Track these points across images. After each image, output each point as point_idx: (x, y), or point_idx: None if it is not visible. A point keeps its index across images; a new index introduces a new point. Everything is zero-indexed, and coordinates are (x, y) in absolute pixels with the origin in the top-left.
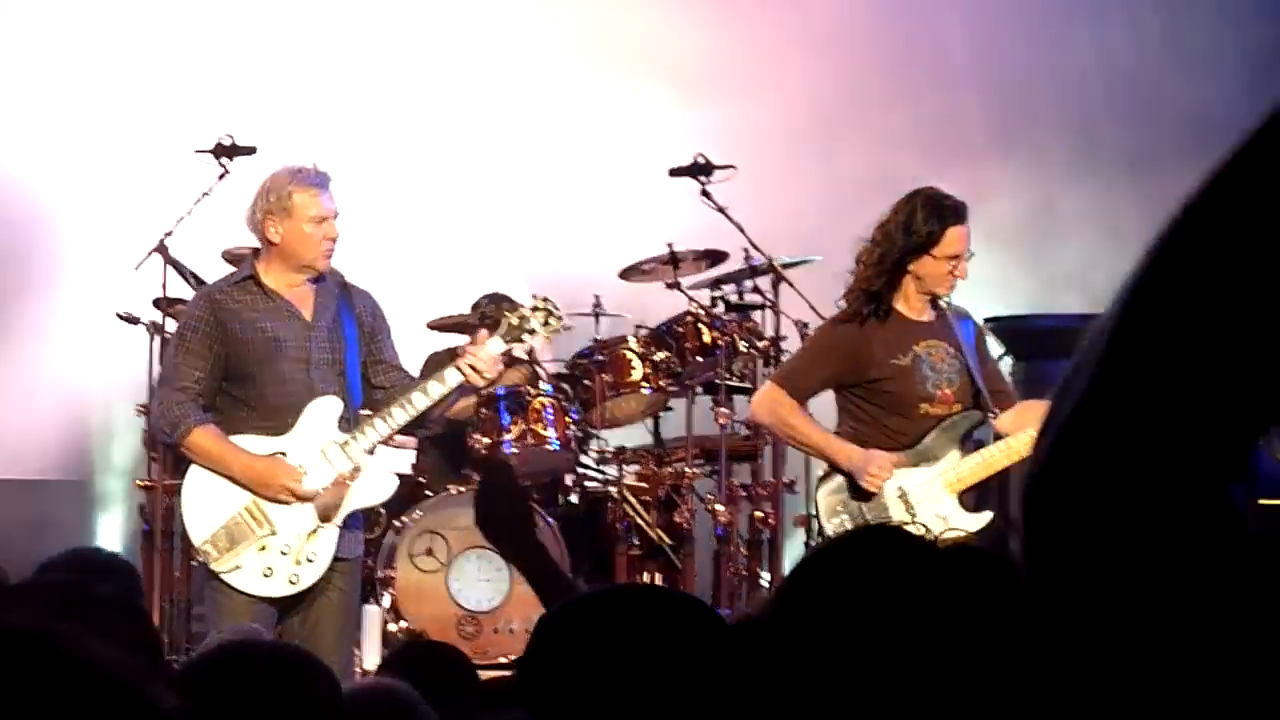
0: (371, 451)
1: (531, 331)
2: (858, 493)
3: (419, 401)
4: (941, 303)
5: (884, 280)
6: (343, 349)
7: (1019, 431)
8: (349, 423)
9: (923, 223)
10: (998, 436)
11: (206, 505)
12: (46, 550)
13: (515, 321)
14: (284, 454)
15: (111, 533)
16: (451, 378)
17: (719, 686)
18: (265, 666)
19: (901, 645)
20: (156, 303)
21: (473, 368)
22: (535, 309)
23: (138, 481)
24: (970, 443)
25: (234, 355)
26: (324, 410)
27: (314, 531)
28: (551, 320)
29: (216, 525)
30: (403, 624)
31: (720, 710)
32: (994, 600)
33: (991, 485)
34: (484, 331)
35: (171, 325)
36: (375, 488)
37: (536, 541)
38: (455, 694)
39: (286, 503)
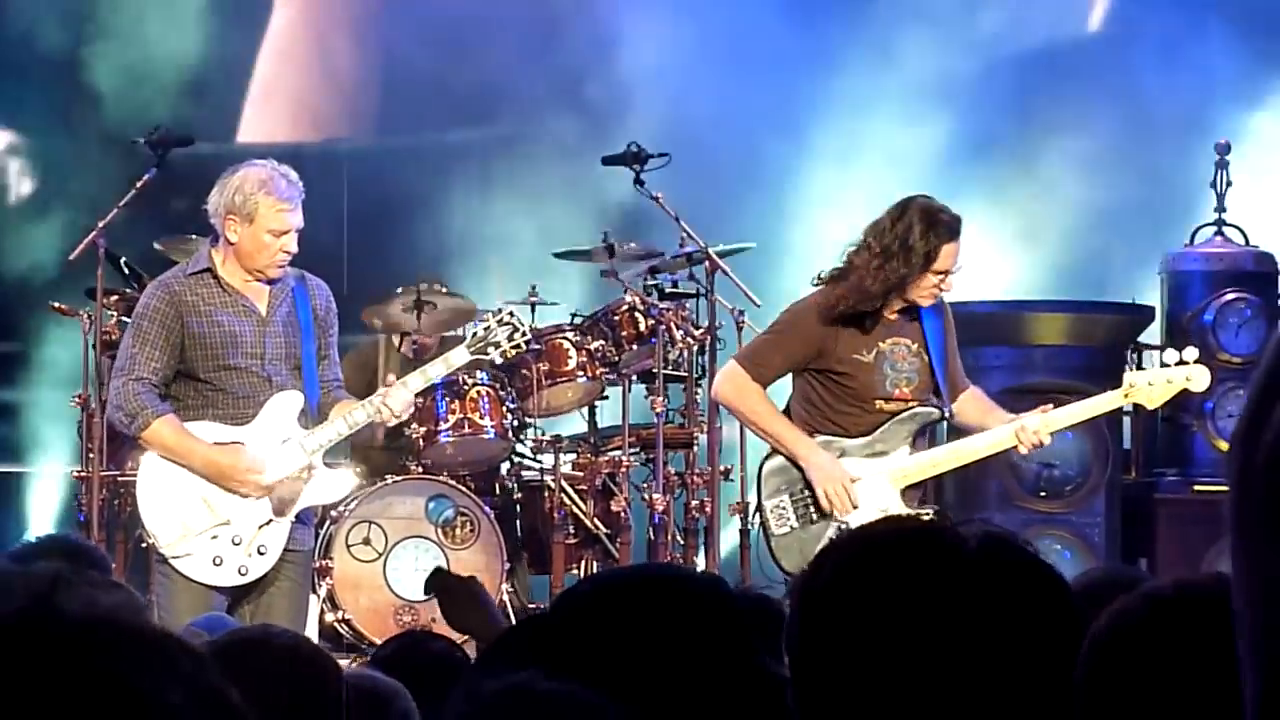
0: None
1: (496, 344)
2: (800, 476)
3: (359, 417)
4: None
5: (881, 288)
6: (299, 343)
7: (969, 425)
8: (306, 417)
9: (919, 238)
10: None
11: (162, 491)
12: None
13: (481, 334)
14: (242, 444)
15: (45, 523)
16: (374, 407)
17: (735, 669)
18: (281, 658)
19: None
20: (90, 293)
21: (388, 408)
22: (501, 322)
23: (73, 472)
24: (921, 439)
25: (190, 348)
26: (284, 404)
27: (267, 523)
28: (516, 335)
29: (170, 511)
30: (340, 614)
31: (738, 695)
32: (1029, 603)
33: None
34: (406, 379)
35: (104, 317)
36: (332, 485)
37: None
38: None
39: (246, 495)
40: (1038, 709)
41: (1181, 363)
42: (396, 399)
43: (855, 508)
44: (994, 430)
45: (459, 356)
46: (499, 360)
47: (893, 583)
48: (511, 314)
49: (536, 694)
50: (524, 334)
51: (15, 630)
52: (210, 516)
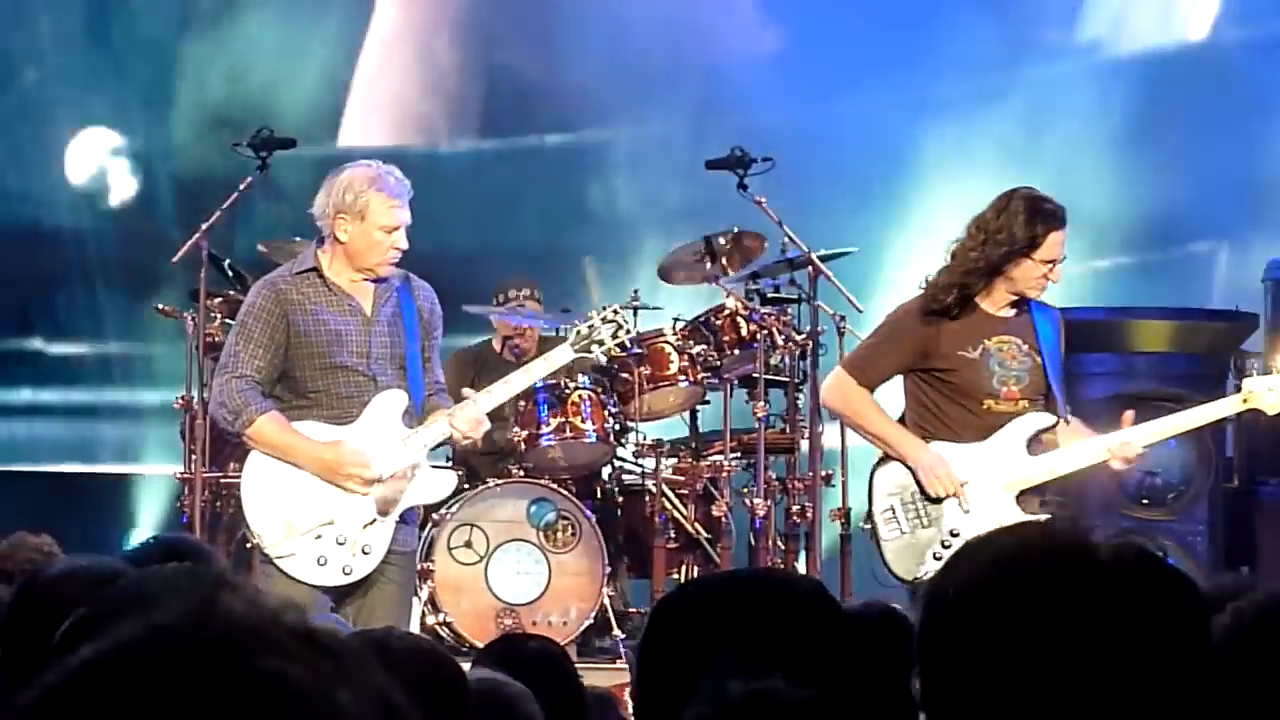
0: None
1: (600, 342)
2: (911, 481)
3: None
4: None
5: (981, 284)
6: (403, 343)
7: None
8: (410, 416)
9: (1023, 226)
10: None
11: (266, 491)
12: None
13: (585, 331)
14: (344, 440)
15: (149, 525)
16: (442, 429)
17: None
18: (410, 659)
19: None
20: (193, 295)
21: (455, 428)
22: (605, 320)
23: (176, 474)
24: (1037, 444)
25: (294, 346)
26: (388, 403)
27: (371, 523)
28: (620, 332)
29: (275, 511)
30: (441, 616)
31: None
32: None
33: (1049, 484)
34: (473, 393)
35: (207, 318)
36: (435, 485)
37: None
38: (555, 689)
39: (353, 490)
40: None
41: None
42: (463, 418)
43: (962, 485)
44: (1120, 433)
45: (562, 355)
46: (602, 358)
47: (1026, 590)
48: (615, 311)
49: (780, 699)
50: (627, 330)
51: (185, 631)
52: (314, 516)
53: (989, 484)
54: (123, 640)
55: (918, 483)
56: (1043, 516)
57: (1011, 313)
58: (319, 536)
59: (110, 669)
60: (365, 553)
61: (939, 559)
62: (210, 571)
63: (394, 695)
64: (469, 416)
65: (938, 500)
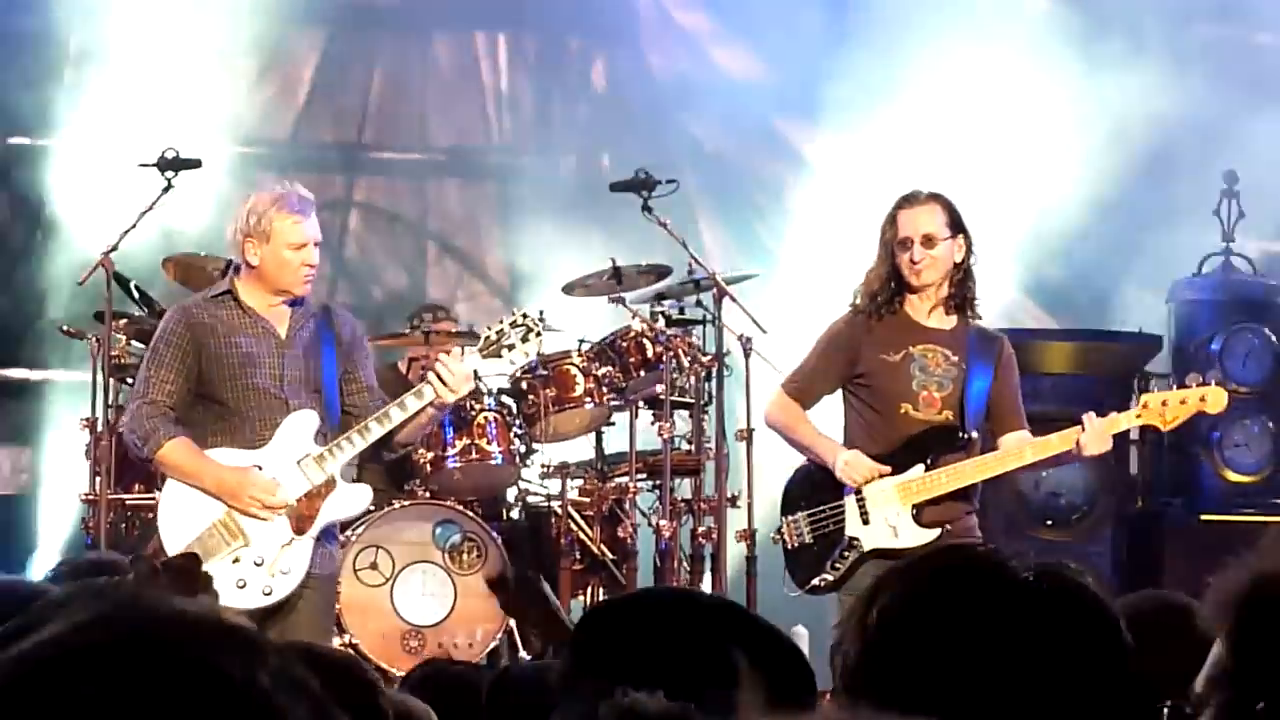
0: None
1: (510, 347)
2: (818, 494)
3: (395, 415)
4: (974, 321)
5: (879, 282)
6: (318, 367)
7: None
8: (325, 438)
9: (885, 218)
10: None
11: (181, 517)
12: None
13: (493, 336)
14: (260, 467)
15: (54, 546)
16: (426, 392)
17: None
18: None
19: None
20: (98, 316)
21: (443, 381)
22: (514, 324)
23: (81, 495)
24: (942, 458)
25: (206, 370)
26: (300, 424)
27: (288, 543)
28: (531, 336)
29: (190, 537)
30: (347, 638)
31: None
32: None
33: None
34: (458, 349)
35: (113, 340)
36: (350, 500)
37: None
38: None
39: (259, 516)
40: None
41: (1204, 384)
42: (449, 372)
43: (877, 477)
44: (1036, 440)
45: (471, 361)
46: (517, 362)
47: (958, 614)
48: (525, 315)
49: (650, 715)
50: (538, 333)
51: (116, 623)
52: (230, 539)
53: (887, 493)
54: (49, 636)
55: (818, 491)
56: (931, 533)
57: (947, 325)
58: (237, 560)
59: (36, 663)
60: (284, 573)
61: (836, 569)
62: (140, 572)
63: (312, 684)
64: (460, 370)
65: (839, 512)
